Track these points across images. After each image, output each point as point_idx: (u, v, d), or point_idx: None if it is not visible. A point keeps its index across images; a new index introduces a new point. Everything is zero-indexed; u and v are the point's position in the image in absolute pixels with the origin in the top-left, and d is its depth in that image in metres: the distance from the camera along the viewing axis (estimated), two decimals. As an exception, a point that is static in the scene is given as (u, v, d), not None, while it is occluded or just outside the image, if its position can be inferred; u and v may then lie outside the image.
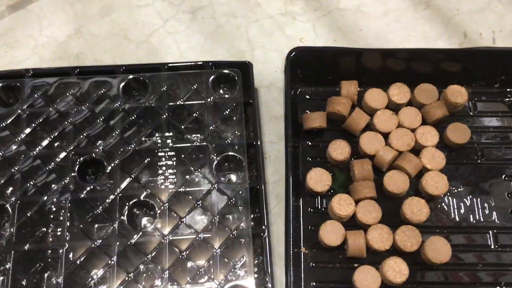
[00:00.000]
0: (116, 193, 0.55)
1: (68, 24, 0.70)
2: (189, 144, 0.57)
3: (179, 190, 0.55)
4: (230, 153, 0.57)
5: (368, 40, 0.69)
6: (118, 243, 0.52)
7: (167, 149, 0.57)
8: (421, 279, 0.55)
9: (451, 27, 0.70)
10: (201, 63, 0.62)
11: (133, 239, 0.53)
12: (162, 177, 0.56)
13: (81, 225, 0.53)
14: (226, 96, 0.60)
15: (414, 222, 0.55)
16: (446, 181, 0.57)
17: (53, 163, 0.56)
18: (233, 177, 0.59)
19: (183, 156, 0.57)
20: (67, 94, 0.59)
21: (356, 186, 0.57)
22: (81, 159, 0.56)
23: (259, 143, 0.58)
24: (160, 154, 0.57)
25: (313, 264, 0.55)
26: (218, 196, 0.55)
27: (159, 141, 0.58)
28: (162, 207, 0.54)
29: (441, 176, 0.57)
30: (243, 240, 0.53)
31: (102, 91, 0.60)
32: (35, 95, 0.59)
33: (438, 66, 0.63)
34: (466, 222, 0.58)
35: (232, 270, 0.52)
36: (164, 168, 0.56)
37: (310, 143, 0.61)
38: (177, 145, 0.57)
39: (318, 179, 0.57)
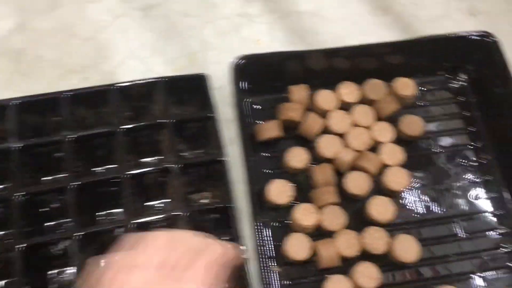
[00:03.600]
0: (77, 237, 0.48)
1: (9, 17, 0.66)
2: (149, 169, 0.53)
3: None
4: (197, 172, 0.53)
5: (326, 44, 0.67)
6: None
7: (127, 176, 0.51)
8: (394, 280, 0.53)
9: (410, 33, 0.69)
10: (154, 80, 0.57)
11: None
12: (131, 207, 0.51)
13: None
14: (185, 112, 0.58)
15: (382, 222, 0.53)
16: (407, 175, 0.56)
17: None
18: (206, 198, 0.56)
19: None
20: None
21: (316, 194, 0.54)
22: (26, 198, 0.49)
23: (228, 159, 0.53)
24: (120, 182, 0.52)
25: (289, 282, 0.52)
26: (191, 224, 0.50)
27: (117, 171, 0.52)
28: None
29: (401, 171, 0.56)
30: None
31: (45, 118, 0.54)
32: None
33: (382, 60, 0.62)
34: (432, 214, 0.57)
35: None
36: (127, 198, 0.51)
37: (265, 155, 0.59)
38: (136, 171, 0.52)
39: (280, 191, 0.54)
